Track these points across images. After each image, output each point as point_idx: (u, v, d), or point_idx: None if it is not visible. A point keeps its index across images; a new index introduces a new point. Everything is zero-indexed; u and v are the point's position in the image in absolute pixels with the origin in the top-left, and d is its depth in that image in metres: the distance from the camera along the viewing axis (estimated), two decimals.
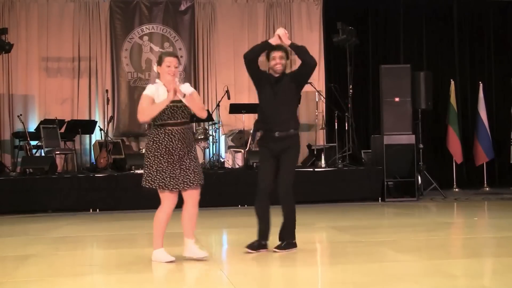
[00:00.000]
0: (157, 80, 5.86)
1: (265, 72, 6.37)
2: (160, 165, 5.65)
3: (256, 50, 6.35)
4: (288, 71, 6.38)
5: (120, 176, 10.92)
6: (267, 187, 6.14)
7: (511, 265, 5.58)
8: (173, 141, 5.64)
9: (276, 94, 6.25)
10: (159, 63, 5.84)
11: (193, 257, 5.76)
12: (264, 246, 6.15)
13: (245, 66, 6.34)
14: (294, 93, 6.39)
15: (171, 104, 5.64)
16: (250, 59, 6.25)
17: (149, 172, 5.72)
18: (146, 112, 5.66)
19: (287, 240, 6.20)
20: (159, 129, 5.68)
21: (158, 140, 5.66)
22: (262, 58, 6.41)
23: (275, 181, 6.15)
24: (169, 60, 5.80)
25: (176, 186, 5.65)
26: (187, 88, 5.81)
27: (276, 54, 6.27)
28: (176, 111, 5.67)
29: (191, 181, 5.65)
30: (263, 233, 6.15)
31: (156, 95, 5.71)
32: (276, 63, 6.25)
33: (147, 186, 5.75)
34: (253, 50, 6.34)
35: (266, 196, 6.16)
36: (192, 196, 5.74)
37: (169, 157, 5.64)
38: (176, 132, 5.66)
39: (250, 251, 6.06)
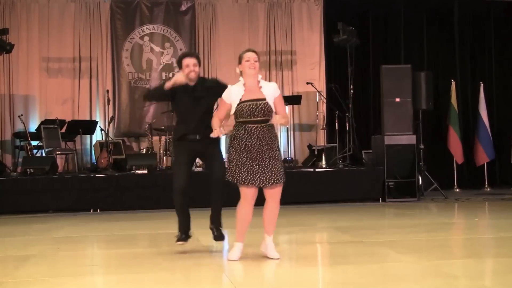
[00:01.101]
0: (240, 79, 5.88)
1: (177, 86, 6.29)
2: (240, 160, 5.70)
3: (156, 96, 6.83)
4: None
5: (120, 176, 10.93)
6: (185, 186, 6.17)
7: (511, 265, 5.58)
8: (252, 138, 5.69)
9: (196, 102, 6.24)
10: (239, 61, 5.86)
11: (266, 255, 5.87)
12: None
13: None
14: (212, 100, 6.42)
15: (251, 102, 5.71)
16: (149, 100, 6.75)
17: (230, 166, 5.77)
18: (213, 121, 5.87)
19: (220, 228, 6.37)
20: (240, 126, 5.76)
21: (239, 136, 5.74)
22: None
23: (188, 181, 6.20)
24: (247, 56, 5.82)
25: (253, 182, 5.66)
26: (274, 88, 5.89)
27: (190, 61, 6.24)
28: (255, 109, 5.71)
29: (268, 180, 5.67)
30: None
31: (229, 98, 5.84)
32: (190, 70, 6.22)
33: (229, 180, 5.79)
34: (153, 96, 6.96)
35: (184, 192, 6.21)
36: (270, 195, 5.78)
37: (248, 154, 5.69)
38: (256, 130, 5.71)
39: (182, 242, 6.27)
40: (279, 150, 5.82)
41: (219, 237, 6.32)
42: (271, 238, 5.88)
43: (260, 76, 5.89)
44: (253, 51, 5.93)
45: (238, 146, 5.73)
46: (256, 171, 5.66)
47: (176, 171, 6.27)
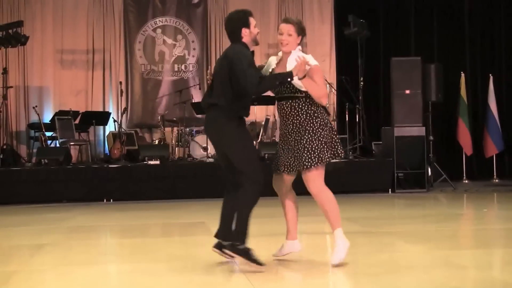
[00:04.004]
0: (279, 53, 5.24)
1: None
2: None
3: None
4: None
5: (133, 167, 10.95)
6: None
7: None
8: (280, 117, 5.14)
9: None
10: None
11: None
12: None
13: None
14: None
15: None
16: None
17: None
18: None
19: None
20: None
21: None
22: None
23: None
24: (280, 28, 5.21)
25: (276, 168, 5.15)
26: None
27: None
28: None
29: (286, 168, 5.10)
30: None
31: (266, 68, 5.29)
32: (258, 32, 5.28)
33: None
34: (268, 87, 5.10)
35: None
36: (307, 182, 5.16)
37: (280, 136, 5.22)
38: (280, 108, 5.10)
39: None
40: (312, 130, 4.99)
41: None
42: (334, 232, 5.09)
43: (298, 48, 5.19)
44: (288, 20, 5.20)
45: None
46: (281, 156, 5.12)
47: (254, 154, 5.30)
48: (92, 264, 5.43)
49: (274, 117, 13.01)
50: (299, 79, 4.91)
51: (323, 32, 13.84)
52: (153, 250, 6.06)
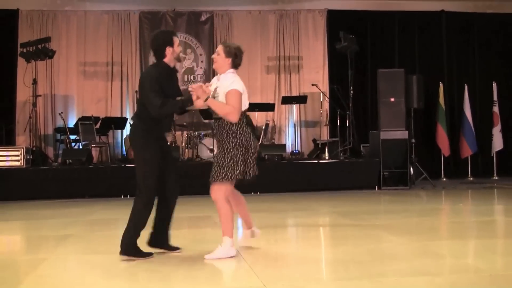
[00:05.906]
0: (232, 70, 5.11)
1: (163, 72, 5.08)
2: None
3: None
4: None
5: None
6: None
7: (491, 246, 5.57)
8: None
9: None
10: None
11: None
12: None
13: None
14: None
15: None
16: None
17: None
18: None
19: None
20: None
21: None
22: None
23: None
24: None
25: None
26: (226, 82, 5.04)
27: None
28: None
29: (211, 176, 5.05)
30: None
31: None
32: (181, 49, 5.22)
33: None
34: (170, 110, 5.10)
35: None
36: (211, 190, 5.11)
37: None
38: (214, 124, 5.13)
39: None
40: (227, 149, 4.99)
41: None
42: (223, 238, 5.06)
43: (230, 71, 5.06)
44: (222, 43, 5.24)
45: None
46: None
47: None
48: (110, 253, 5.43)
49: (274, 122, 13.03)
50: (204, 101, 4.91)
51: (317, 46, 13.84)
52: None
